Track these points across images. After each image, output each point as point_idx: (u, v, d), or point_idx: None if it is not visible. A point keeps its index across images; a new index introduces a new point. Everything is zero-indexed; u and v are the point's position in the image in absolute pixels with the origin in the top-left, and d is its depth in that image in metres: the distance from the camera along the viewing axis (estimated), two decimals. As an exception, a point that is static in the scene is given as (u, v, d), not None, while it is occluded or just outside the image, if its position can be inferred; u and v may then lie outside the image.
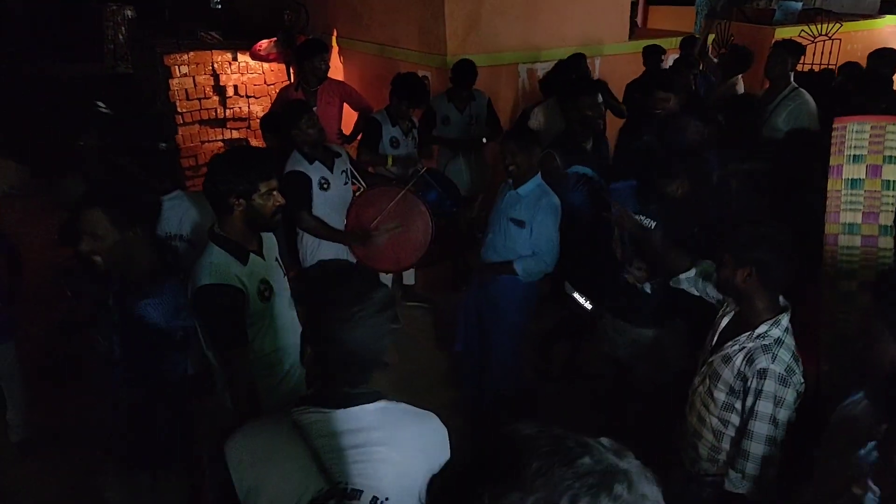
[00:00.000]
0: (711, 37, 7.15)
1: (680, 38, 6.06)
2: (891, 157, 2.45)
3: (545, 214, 3.27)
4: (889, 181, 2.47)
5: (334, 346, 1.48)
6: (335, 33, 7.25)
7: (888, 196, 2.51)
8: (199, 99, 7.06)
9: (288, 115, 3.69)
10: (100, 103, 3.21)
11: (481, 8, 5.62)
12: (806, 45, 7.01)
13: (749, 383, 2.14)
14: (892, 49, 5.32)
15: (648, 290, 3.16)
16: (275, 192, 2.33)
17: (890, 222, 2.55)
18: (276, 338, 2.47)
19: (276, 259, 2.56)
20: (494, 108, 5.15)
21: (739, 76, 5.33)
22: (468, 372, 3.81)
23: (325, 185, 3.72)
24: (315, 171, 3.69)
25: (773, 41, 5.18)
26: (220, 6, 8.42)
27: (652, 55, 5.66)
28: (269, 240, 2.56)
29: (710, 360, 2.30)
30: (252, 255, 2.39)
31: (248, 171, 2.28)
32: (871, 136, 2.52)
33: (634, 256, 3.17)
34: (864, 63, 7.71)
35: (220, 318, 2.29)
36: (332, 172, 3.76)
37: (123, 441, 2.56)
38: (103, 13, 7.64)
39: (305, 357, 1.55)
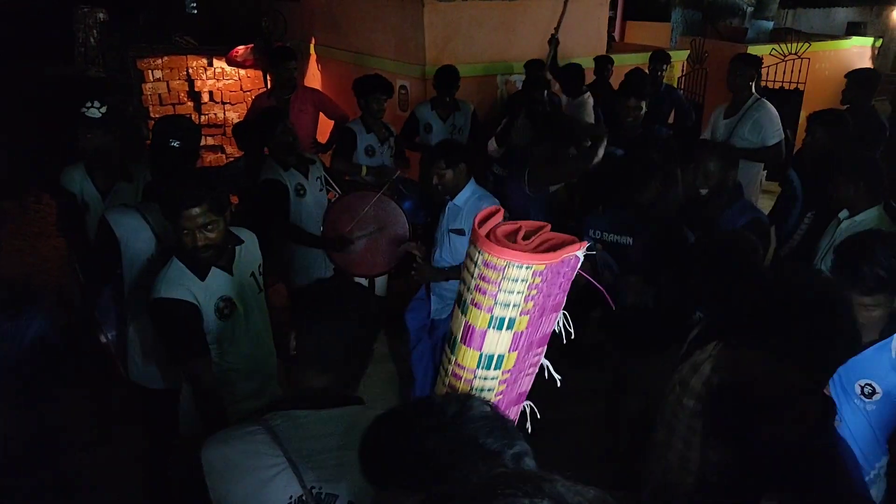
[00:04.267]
0: (686, 52, 7.27)
1: (647, 54, 6.13)
2: (501, 318, 1.25)
3: None
4: (492, 355, 1.30)
5: (308, 338, 1.54)
6: (313, 41, 7.21)
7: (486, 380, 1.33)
8: (173, 104, 6.97)
9: (263, 122, 3.67)
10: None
11: (460, 18, 5.64)
12: (776, 64, 7.19)
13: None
14: (872, 70, 5.43)
15: (651, 303, 3.12)
16: (198, 231, 2.19)
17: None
18: (238, 356, 2.41)
19: (253, 274, 2.48)
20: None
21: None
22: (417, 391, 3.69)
23: (302, 192, 3.71)
24: (291, 178, 3.67)
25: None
26: (195, 11, 8.32)
27: (602, 66, 5.80)
28: (247, 254, 2.48)
29: (680, 367, 2.31)
30: (214, 270, 2.32)
31: (168, 201, 2.22)
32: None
33: (623, 274, 3.15)
34: (831, 82, 7.91)
35: (172, 331, 2.28)
36: (307, 179, 3.75)
37: None
38: (74, 15, 7.51)
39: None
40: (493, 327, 1.24)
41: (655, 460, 2.42)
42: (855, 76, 4.76)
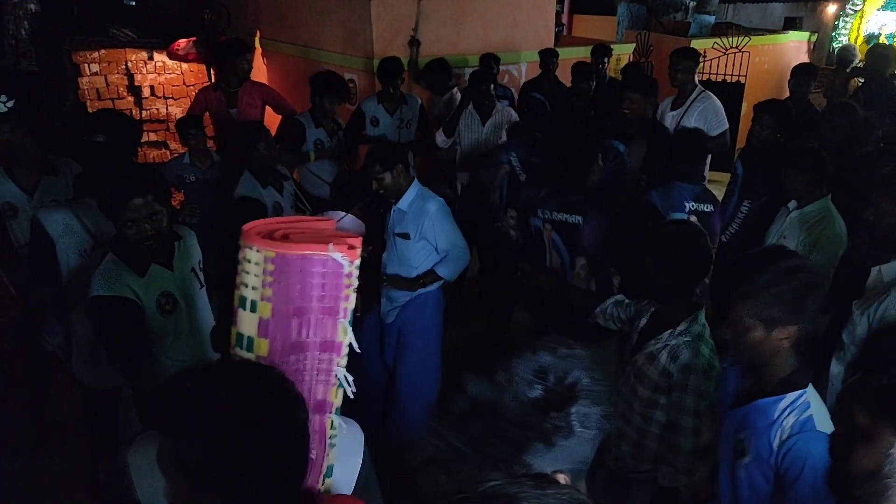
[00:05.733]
0: (632, 46, 7.38)
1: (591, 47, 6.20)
2: (243, 298, 1.28)
3: (435, 220, 3.18)
4: (243, 335, 1.31)
5: None
6: (258, 34, 7.05)
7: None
8: (112, 99, 6.70)
9: (246, 136, 3.60)
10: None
11: (409, 12, 5.58)
12: (718, 57, 7.38)
13: (674, 379, 2.19)
14: (812, 64, 5.64)
15: (594, 287, 3.16)
16: (144, 222, 2.14)
17: None
18: (182, 352, 2.37)
19: (193, 270, 2.44)
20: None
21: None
22: (371, 404, 3.57)
23: (279, 211, 3.64)
24: (269, 196, 3.60)
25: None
26: (133, 3, 8.05)
27: (546, 58, 5.82)
28: (187, 248, 2.43)
29: (634, 358, 2.34)
30: (154, 266, 2.28)
31: (108, 195, 2.19)
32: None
33: (573, 257, 3.19)
34: (770, 75, 8.17)
35: (112, 330, 2.23)
36: (282, 196, 3.69)
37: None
38: (3, 6, 7.17)
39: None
40: (240, 306, 1.29)
41: (608, 449, 2.44)
42: (800, 70, 5.00)
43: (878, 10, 9.68)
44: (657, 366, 2.23)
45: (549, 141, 4.02)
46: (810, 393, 1.70)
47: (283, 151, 4.51)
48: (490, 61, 5.34)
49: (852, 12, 9.91)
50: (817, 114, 4.74)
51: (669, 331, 2.24)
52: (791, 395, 1.68)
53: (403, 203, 3.21)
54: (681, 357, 2.19)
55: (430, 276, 3.30)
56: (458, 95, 5.23)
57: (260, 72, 7.04)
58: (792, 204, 3.20)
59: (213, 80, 6.22)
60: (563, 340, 1.09)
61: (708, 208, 3.38)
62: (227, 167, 4.17)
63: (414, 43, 5.48)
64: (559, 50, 6.12)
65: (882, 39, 9.24)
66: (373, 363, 3.53)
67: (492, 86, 4.70)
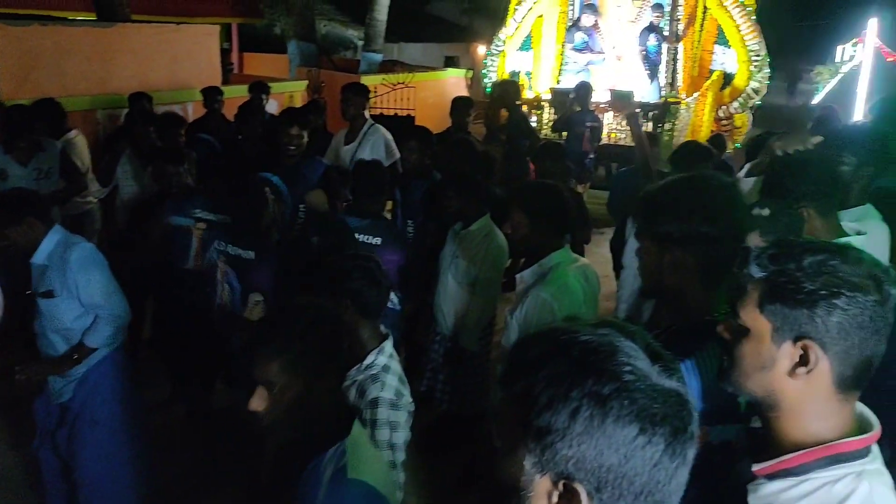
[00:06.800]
0: (304, 83, 7.44)
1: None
2: None
3: (77, 271, 2.75)
4: None
5: None
6: None
7: None
8: None
9: None
10: None
11: (42, 45, 4.89)
12: (387, 92, 7.84)
13: (364, 415, 2.12)
14: (468, 97, 6.27)
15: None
16: None
17: None
18: None
19: None
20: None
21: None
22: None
23: None
24: None
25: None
26: None
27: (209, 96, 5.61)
28: None
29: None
30: None
31: None
32: None
33: (246, 293, 3.00)
34: (435, 108, 8.94)
35: None
36: None
37: None
38: None
39: None
40: None
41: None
42: (457, 102, 5.57)
43: (517, 50, 11.24)
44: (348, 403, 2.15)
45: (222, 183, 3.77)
46: (350, 439, 1.53)
47: None
48: (142, 101, 4.89)
49: (496, 52, 11.37)
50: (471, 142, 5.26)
51: (357, 366, 2.17)
52: (331, 449, 1.51)
53: (39, 256, 2.72)
54: (368, 392, 2.13)
55: (81, 349, 2.79)
56: (79, 138, 4.68)
57: None
58: (458, 226, 3.41)
59: None
60: None
61: (374, 241, 3.25)
62: None
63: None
64: (230, 88, 5.88)
65: (522, 76, 10.73)
66: (47, 460, 2.88)
67: (150, 128, 4.27)
